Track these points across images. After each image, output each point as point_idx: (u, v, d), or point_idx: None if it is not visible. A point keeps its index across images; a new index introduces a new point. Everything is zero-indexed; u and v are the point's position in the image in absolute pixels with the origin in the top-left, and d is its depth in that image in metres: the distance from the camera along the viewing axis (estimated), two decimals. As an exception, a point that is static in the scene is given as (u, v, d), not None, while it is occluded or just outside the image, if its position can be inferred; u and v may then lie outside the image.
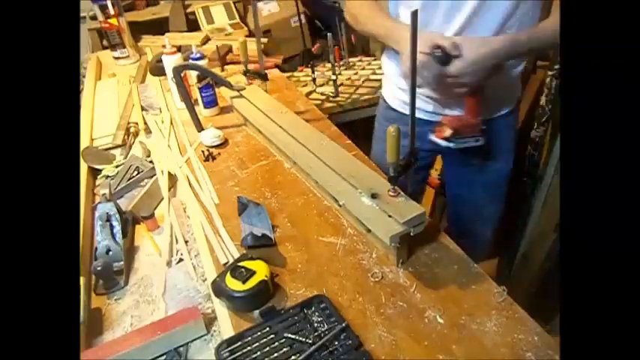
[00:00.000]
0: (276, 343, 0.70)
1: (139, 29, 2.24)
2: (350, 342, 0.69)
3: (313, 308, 0.75)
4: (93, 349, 0.73)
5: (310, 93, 1.97)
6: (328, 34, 1.80)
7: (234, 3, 2.49)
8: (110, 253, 0.91)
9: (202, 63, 1.38)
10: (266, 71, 1.42)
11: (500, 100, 1.16)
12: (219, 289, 0.78)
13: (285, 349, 0.69)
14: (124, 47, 1.98)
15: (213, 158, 1.21)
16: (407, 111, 1.09)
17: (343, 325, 0.71)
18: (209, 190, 1.09)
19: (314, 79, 1.97)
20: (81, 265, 0.87)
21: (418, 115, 1.13)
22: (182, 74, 1.30)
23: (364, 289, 0.79)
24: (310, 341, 0.69)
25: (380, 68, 2.11)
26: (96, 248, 0.92)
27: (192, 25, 2.43)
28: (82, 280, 0.83)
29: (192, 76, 1.38)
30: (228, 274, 0.78)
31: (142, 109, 1.50)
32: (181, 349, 0.74)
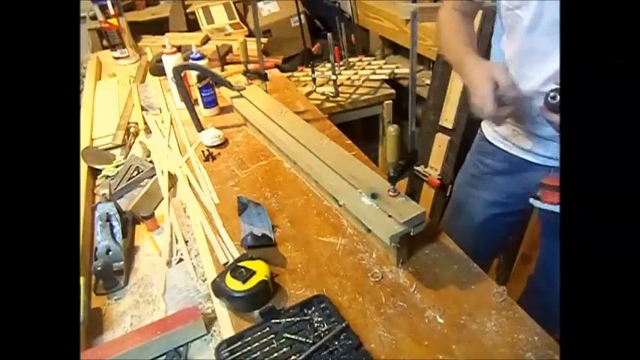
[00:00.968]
0: (276, 343, 0.70)
1: (139, 29, 2.24)
2: (350, 342, 0.69)
3: (313, 308, 0.75)
4: (93, 349, 0.73)
5: (310, 93, 1.97)
6: (328, 34, 1.80)
7: (234, 3, 2.48)
8: (110, 253, 0.91)
9: (202, 63, 1.38)
10: (266, 71, 1.42)
11: None
12: (219, 289, 0.78)
13: (285, 349, 0.69)
14: (124, 47, 1.97)
15: (213, 158, 1.21)
16: (505, 146, 1.02)
17: (343, 325, 0.71)
18: (209, 190, 1.09)
19: (314, 79, 1.97)
20: (81, 265, 0.87)
21: (516, 152, 1.01)
22: (182, 74, 1.30)
23: (364, 289, 0.79)
24: (310, 341, 0.69)
25: (380, 68, 2.11)
26: (96, 248, 0.92)
27: (192, 25, 2.43)
28: (82, 280, 0.83)
29: (192, 76, 1.38)
30: (228, 274, 0.78)
31: (142, 109, 1.50)
32: (181, 349, 0.74)
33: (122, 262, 0.90)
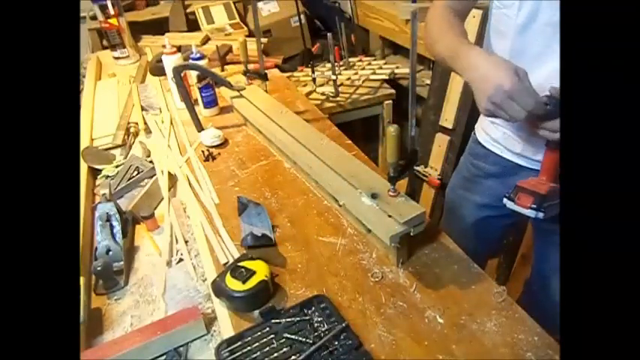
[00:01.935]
0: (276, 343, 0.70)
1: (138, 29, 2.24)
2: (350, 342, 0.69)
3: (313, 308, 0.75)
4: (93, 349, 0.73)
5: (310, 93, 1.97)
6: (328, 34, 1.80)
7: (234, 3, 2.48)
8: (110, 253, 0.91)
9: (202, 63, 1.38)
10: (266, 71, 1.42)
11: None
12: (219, 289, 0.78)
13: (285, 349, 0.69)
14: (124, 47, 1.97)
15: (213, 158, 1.21)
16: (496, 149, 1.01)
17: (343, 325, 0.71)
18: (209, 190, 1.09)
19: (314, 79, 1.97)
20: (81, 265, 0.87)
21: (507, 156, 1.00)
22: (182, 74, 1.30)
23: (364, 289, 0.79)
24: (310, 341, 0.69)
25: (381, 68, 2.11)
26: (96, 248, 0.92)
27: (192, 25, 2.43)
28: (82, 280, 0.83)
29: (192, 76, 1.38)
30: (228, 274, 0.78)
31: (142, 109, 1.50)
32: (181, 349, 0.74)
33: (122, 262, 0.90)
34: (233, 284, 0.76)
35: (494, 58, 0.75)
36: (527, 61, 0.78)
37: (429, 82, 1.90)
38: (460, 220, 1.16)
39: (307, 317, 0.74)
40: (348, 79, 2.04)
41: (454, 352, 0.68)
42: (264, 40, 1.55)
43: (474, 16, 1.61)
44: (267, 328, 0.72)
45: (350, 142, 1.22)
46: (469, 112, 1.70)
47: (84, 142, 1.32)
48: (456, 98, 1.75)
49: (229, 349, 0.69)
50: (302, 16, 2.44)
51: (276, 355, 0.68)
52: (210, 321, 0.79)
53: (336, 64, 1.89)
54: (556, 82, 0.74)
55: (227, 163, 1.19)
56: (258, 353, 0.69)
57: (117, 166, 1.22)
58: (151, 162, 1.22)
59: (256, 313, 0.76)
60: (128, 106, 1.52)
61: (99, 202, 0.97)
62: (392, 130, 0.75)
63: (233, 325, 0.75)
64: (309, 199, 1.03)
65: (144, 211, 1.02)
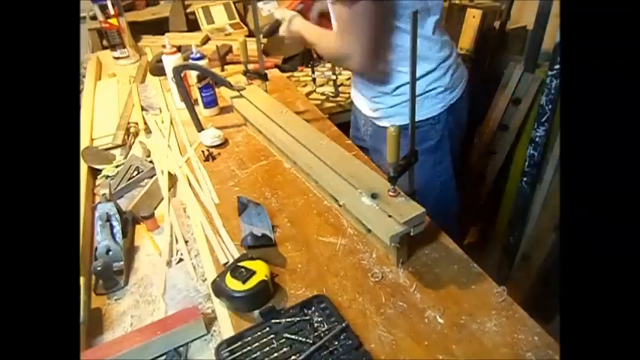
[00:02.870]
0: (276, 343, 0.70)
1: (139, 29, 2.24)
2: (350, 342, 0.69)
3: (313, 308, 0.75)
4: (93, 349, 0.73)
5: (310, 93, 1.97)
6: (328, 34, 1.80)
7: (234, 3, 2.48)
8: (110, 253, 0.91)
9: (202, 63, 1.38)
10: (266, 71, 1.42)
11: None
12: (219, 289, 0.78)
13: (285, 349, 0.69)
14: (124, 47, 1.97)
15: (213, 158, 1.21)
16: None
17: (343, 325, 0.71)
18: (209, 190, 1.09)
19: (314, 79, 1.97)
20: (81, 265, 0.87)
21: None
22: (182, 74, 1.30)
23: (364, 289, 0.79)
24: (310, 341, 0.69)
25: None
26: (96, 248, 0.92)
27: (192, 25, 2.43)
28: (82, 280, 0.83)
29: (192, 76, 1.38)
30: (228, 274, 0.78)
31: (142, 109, 1.50)
32: (181, 349, 0.74)
33: (122, 262, 0.90)
34: (233, 284, 0.76)
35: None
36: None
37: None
38: None
39: (307, 317, 0.74)
40: (348, 79, 2.04)
41: (454, 352, 0.68)
42: (264, 40, 1.55)
43: (474, 16, 1.61)
44: (267, 328, 0.72)
45: (350, 142, 1.22)
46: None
47: (84, 142, 1.32)
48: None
49: (229, 349, 0.69)
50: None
51: (276, 355, 0.68)
52: (210, 321, 0.79)
53: (336, 64, 1.89)
54: None
55: (227, 163, 1.19)
56: (258, 353, 0.69)
57: (117, 166, 1.22)
58: (151, 162, 1.22)
59: (256, 313, 0.76)
60: (128, 106, 1.52)
61: (99, 202, 0.97)
62: (392, 130, 0.75)
63: (233, 325, 0.75)
64: (309, 199, 1.03)
65: (144, 211, 1.02)
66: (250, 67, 1.40)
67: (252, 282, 0.76)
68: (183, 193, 1.10)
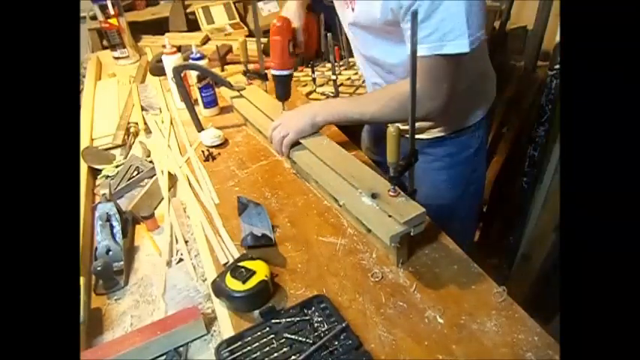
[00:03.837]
0: (276, 343, 0.70)
1: (139, 29, 2.24)
2: (350, 342, 0.69)
3: (313, 308, 0.75)
4: (93, 349, 0.73)
5: (310, 93, 1.97)
6: (328, 34, 1.80)
7: (234, 3, 2.48)
8: (110, 253, 0.91)
9: (202, 63, 1.38)
10: (266, 71, 1.42)
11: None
12: (219, 289, 0.78)
13: (285, 349, 0.69)
14: (124, 47, 1.97)
15: (213, 158, 1.21)
16: None
17: (343, 325, 0.71)
18: (209, 190, 1.09)
19: (314, 79, 1.97)
20: (81, 265, 0.87)
21: None
22: (182, 74, 1.30)
23: (364, 289, 0.79)
24: (310, 341, 0.69)
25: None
26: (96, 248, 0.92)
27: (192, 25, 2.43)
28: (82, 280, 0.83)
29: (192, 76, 1.38)
30: (228, 274, 0.78)
31: (142, 109, 1.50)
32: (181, 349, 0.74)
33: (122, 262, 0.90)
34: (233, 284, 0.76)
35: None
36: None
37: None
38: None
39: (307, 317, 0.74)
40: (348, 79, 2.04)
41: (454, 352, 0.68)
42: (264, 40, 1.55)
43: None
44: (267, 328, 0.72)
45: (350, 142, 1.22)
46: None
47: (84, 142, 1.32)
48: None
49: (229, 349, 0.69)
50: (302, 16, 2.44)
51: (276, 355, 0.68)
52: (210, 321, 0.79)
53: (336, 64, 1.89)
54: None
55: (227, 163, 1.19)
56: (258, 353, 0.69)
57: (117, 166, 1.22)
58: (151, 162, 1.22)
59: (256, 313, 0.76)
60: (128, 106, 1.52)
61: (99, 202, 0.97)
62: (392, 130, 0.75)
63: (233, 325, 0.75)
64: (309, 199, 1.03)
65: (144, 211, 1.02)
66: (250, 67, 1.40)
67: (252, 282, 0.76)
68: (183, 193, 1.10)
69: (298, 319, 0.73)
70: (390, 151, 0.77)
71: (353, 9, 1.01)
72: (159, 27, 2.39)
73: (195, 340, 0.76)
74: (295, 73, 2.12)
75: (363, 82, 2.01)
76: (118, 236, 0.93)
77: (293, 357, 0.68)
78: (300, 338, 0.70)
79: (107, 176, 1.20)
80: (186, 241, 0.97)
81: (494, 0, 1.93)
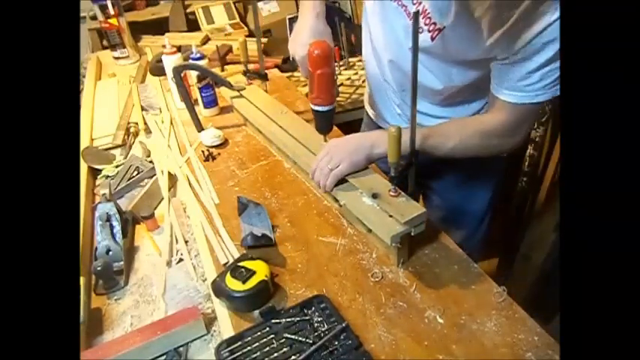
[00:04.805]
0: (276, 343, 0.70)
1: (139, 29, 2.24)
2: (350, 342, 0.69)
3: (313, 308, 0.75)
4: (93, 349, 0.73)
5: (310, 93, 1.96)
6: (328, 34, 1.80)
7: (234, 3, 2.48)
8: (110, 253, 0.91)
9: (202, 63, 1.38)
10: (266, 71, 1.42)
11: None
12: (219, 289, 0.78)
13: (285, 349, 0.69)
14: (124, 47, 1.97)
15: (213, 158, 1.21)
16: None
17: (343, 325, 0.71)
18: (209, 190, 1.09)
19: (314, 79, 1.97)
20: (81, 265, 0.87)
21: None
22: (182, 74, 1.30)
23: (364, 289, 0.79)
24: (310, 341, 0.69)
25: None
26: (96, 248, 0.92)
27: (192, 25, 2.42)
28: (82, 280, 0.83)
29: (192, 76, 1.37)
30: (228, 274, 0.78)
31: (142, 109, 1.50)
32: (181, 349, 0.74)
33: (122, 262, 0.90)
34: (233, 284, 0.76)
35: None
36: None
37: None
38: None
39: (307, 317, 0.74)
40: (348, 79, 2.04)
41: (454, 352, 0.68)
42: (264, 40, 1.55)
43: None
44: (267, 328, 0.72)
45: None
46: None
47: (84, 142, 1.32)
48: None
49: (229, 349, 0.69)
50: (302, 16, 2.44)
51: (276, 355, 0.68)
52: (210, 321, 0.79)
53: (336, 64, 1.89)
54: None
55: (227, 163, 1.19)
56: (258, 353, 0.69)
57: (117, 166, 1.22)
58: (151, 162, 1.22)
59: (256, 313, 0.76)
60: (128, 106, 1.52)
61: (99, 202, 0.97)
62: (392, 130, 0.75)
63: (233, 325, 0.75)
64: (309, 199, 1.03)
65: (144, 211, 1.02)
66: (250, 67, 1.40)
67: (252, 282, 0.76)
68: (183, 193, 1.10)
69: (298, 319, 0.73)
70: (391, 151, 0.77)
71: (433, 38, 0.87)
72: (159, 27, 2.39)
73: (195, 340, 0.76)
74: (295, 73, 2.13)
75: (363, 81, 2.02)
76: (118, 236, 0.93)
77: (293, 357, 0.68)
78: (300, 338, 0.70)
79: (107, 176, 1.20)
80: (186, 241, 0.97)
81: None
